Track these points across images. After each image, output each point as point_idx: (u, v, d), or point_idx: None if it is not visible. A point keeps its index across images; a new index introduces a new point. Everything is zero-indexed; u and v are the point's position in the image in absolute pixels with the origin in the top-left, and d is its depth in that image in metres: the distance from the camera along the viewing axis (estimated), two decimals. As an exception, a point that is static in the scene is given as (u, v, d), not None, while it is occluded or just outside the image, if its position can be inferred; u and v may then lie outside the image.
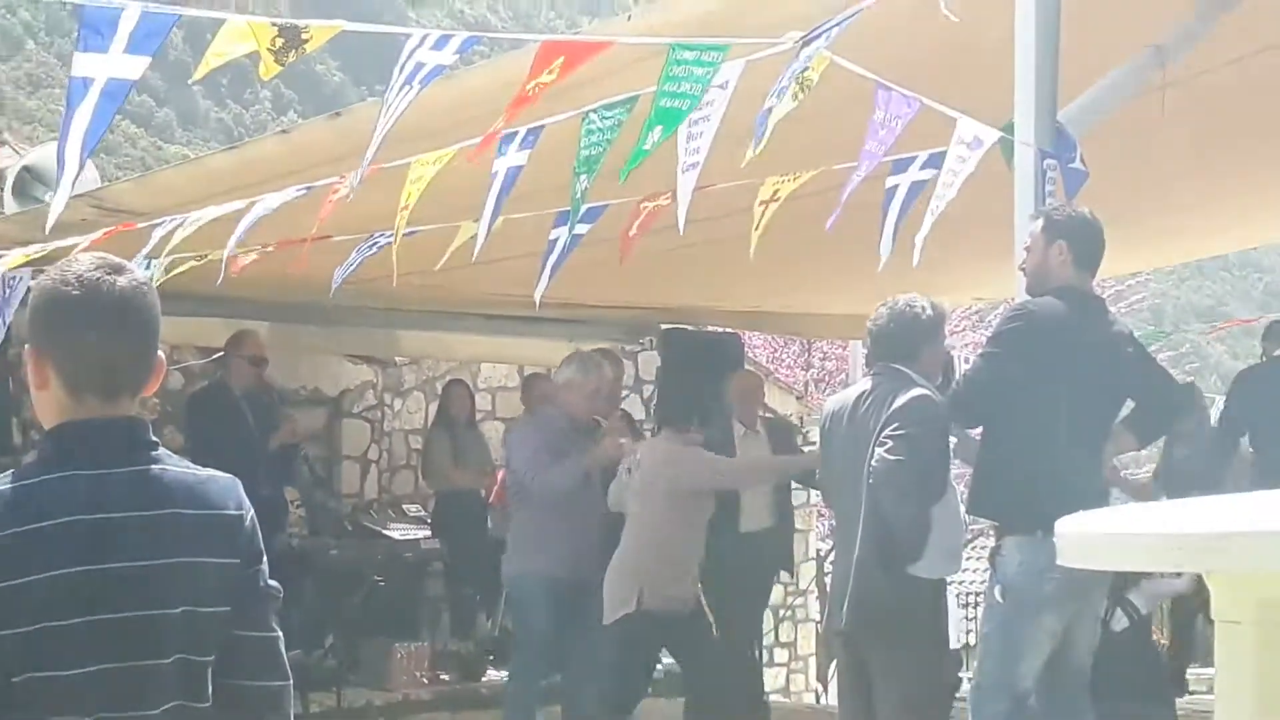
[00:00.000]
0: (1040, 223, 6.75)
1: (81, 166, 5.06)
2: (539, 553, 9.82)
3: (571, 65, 5.61)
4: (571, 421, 10.02)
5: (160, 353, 3.38)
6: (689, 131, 5.89)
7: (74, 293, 3.26)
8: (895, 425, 7.14)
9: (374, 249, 8.33)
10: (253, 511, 3.43)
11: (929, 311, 7.42)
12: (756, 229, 7.42)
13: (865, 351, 9.45)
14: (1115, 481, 10.41)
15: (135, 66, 4.98)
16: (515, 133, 6.50)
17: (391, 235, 7.86)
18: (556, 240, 7.67)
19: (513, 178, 6.51)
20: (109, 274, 3.28)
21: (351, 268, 8.50)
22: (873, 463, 7.14)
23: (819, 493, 11.72)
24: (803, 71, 5.66)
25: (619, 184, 6.09)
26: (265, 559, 3.45)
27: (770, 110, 5.72)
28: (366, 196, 6.94)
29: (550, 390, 14.10)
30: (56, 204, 5.32)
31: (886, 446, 7.10)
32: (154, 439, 3.35)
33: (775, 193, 7.40)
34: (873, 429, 7.24)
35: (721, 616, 9.67)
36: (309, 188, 7.55)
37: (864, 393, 7.46)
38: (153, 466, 3.30)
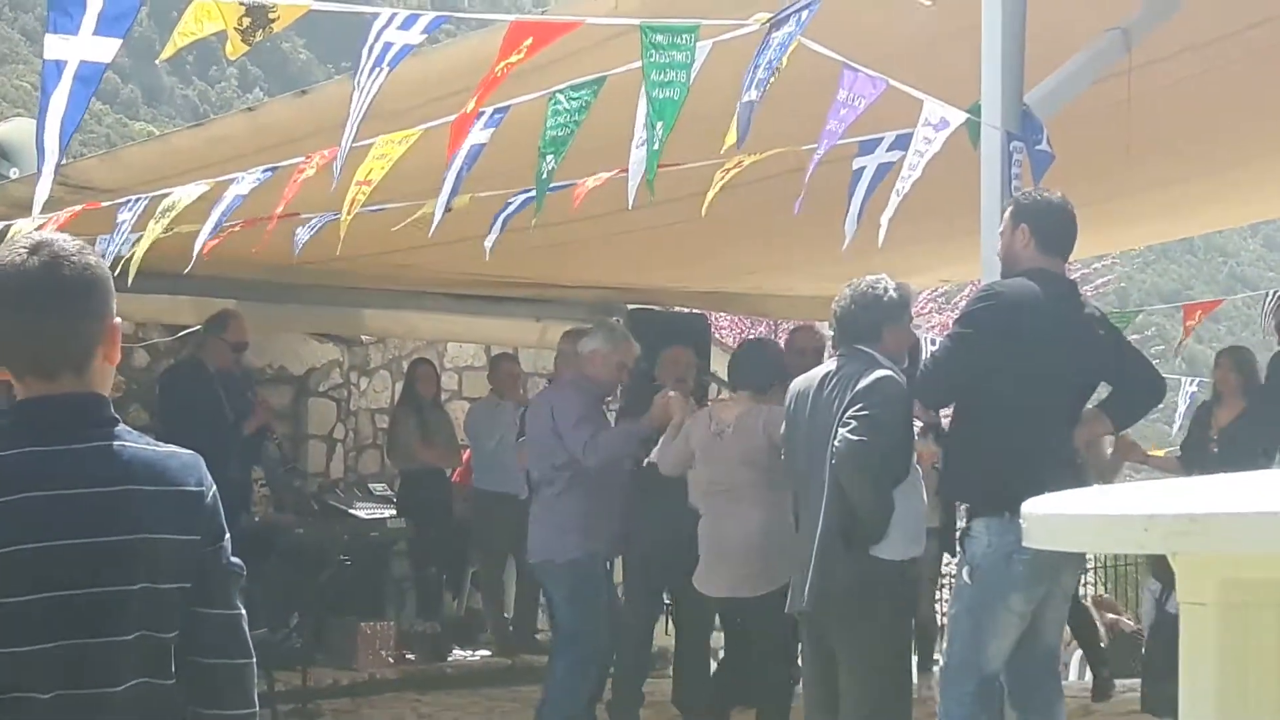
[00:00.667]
0: (1010, 208, 6.75)
1: (62, 153, 5.08)
2: (595, 531, 9.65)
3: (540, 45, 5.60)
4: (600, 391, 9.90)
5: (116, 320, 3.36)
6: (647, 110, 5.90)
7: None
8: (859, 406, 7.14)
9: (337, 215, 8.34)
10: (215, 488, 3.42)
11: (892, 292, 7.42)
12: (712, 189, 7.41)
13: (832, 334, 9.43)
14: (1140, 459, 10.39)
15: (106, 49, 4.98)
16: (481, 112, 6.49)
17: (359, 210, 7.88)
18: (513, 201, 7.69)
19: (474, 155, 6.51)
20: (25, 254, 3.27)
21: (315, 229, 8.49)
22: (836, 443, 7.14)
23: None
24: (777, 62, 5.66)
25: (650, 195, 6.05)
26: (228, 536, 3.44)
27: (752, 104, 5.72)
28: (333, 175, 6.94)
29: (516, 370, 14.14)
30: (40, 192, 5.32)
31: (850, 427, 7.10)
32: (113, 415, 3.34)
33: (739, 162, 7.40)
34: (837, 410, 7.24)
35: (687, 596, 9.67)
36: (275, 168, 7.54)
37: (829, 373, 7.46)
38: (111, 442, 3.30)
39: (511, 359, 14.35)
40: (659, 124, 5.59)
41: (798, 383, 7.85)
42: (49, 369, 3.29)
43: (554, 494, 9.81)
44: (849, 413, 7.16)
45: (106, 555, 3.23)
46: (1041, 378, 6.70)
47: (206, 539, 3.38)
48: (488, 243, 7.38)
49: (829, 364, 7.61)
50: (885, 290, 7.40)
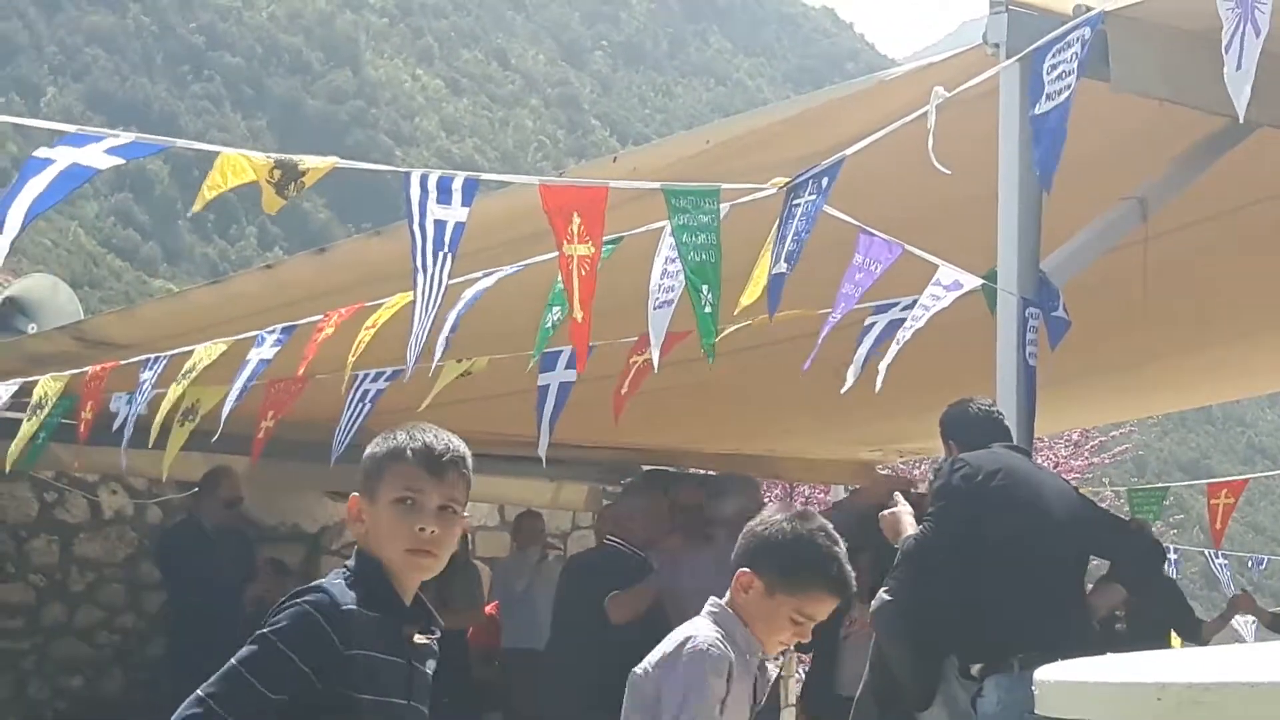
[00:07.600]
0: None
1: (21, 231, 4.88)
2: None
3: (593, 224, 5.59)
4: None
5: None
6: (664, 269, 5.90)
7: None
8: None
9: (365, 409, 8.37)
10: None
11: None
12: (717, 335, 7.40)
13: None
14: (1249, 609, 10.41)
15: (105, 161, 4.90)
16: (493, 271, 6.52)
17: (375, 374, 7.89)
18: (548, 388, 7.67)
19: (471, 302, 6.53)
20: None
21: (351, 432, 8.51)
22: (874, 602, 7.09)
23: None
24: (805, 233, 5.69)
25: (709, 361, 6.05)
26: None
27: (783, 276, 5.74)
28: (350, 335, 6.97)
29: (540, 525, 14.10)
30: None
31: (888, 587, 7.05)
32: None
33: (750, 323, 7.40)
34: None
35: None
36: (293, 326, 7.56)
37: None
38: None
39: (536, 515, 14.27)
40: (704, 287, 5.59)
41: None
42: None
43: None
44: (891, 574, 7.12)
45: None
46: (1028, 528, 6.66)
47: None
48: (541, 450, 7.38)
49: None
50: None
